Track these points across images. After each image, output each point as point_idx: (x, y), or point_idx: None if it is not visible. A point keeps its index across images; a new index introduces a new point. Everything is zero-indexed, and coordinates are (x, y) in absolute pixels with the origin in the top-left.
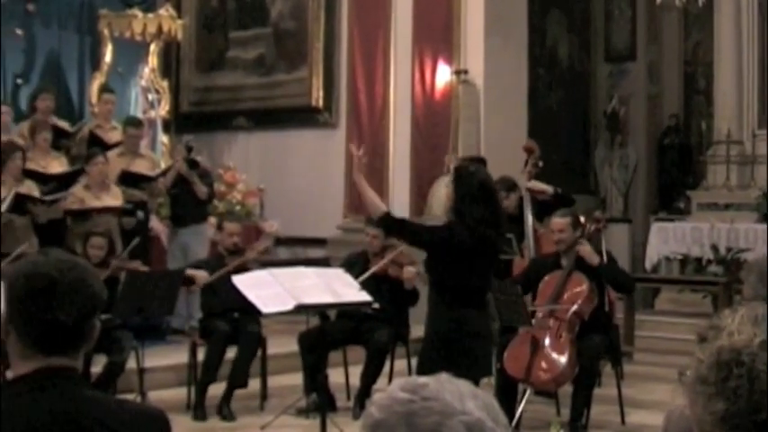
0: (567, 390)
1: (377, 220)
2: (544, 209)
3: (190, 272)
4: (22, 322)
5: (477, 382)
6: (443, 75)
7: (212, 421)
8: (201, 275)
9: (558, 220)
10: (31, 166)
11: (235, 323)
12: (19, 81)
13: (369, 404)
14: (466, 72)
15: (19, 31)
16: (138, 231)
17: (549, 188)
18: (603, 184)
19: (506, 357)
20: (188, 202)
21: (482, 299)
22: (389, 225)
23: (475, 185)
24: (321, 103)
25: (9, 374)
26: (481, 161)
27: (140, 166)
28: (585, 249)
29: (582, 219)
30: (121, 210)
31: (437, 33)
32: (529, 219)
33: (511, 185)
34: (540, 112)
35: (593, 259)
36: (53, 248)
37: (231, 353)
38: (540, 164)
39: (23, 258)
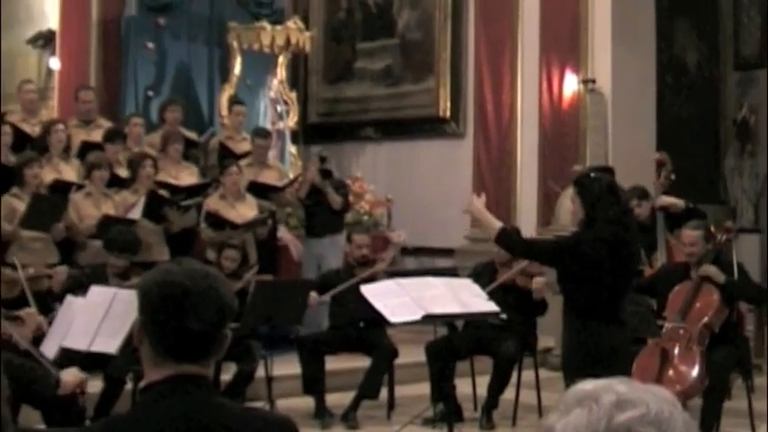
0: (696, 402)
1: (495, 238)
2: (675, 220)
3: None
4: (155, 330)
5: None
6: (570, 84)
7: (338, 430)
8: (313, 297)
9: (690, 233)
10: (162, 176)
11: (361, 333)
12: (150, 93)
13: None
14: (593, 81)
15: (150, 45)
16: (268, 241)
17: (680, 202)
18: (733, 193)
19: (635, 369)
20: (322, 212)
21: (615, 311)
22: (509, 240)
23: (603, 188)
24: (448, 113)
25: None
26: (609, 171)
27: (268, 177)
28: (710, 270)
29: (712, 229)
30: (256, 221)
31: (564, 42)
32: (661, 230)
33: (642, 193)
34: (668, 120)
35: (719, 278)
36: (186, 257)
37: (357, 362)
38: (673, 177)
39: (156, 267)
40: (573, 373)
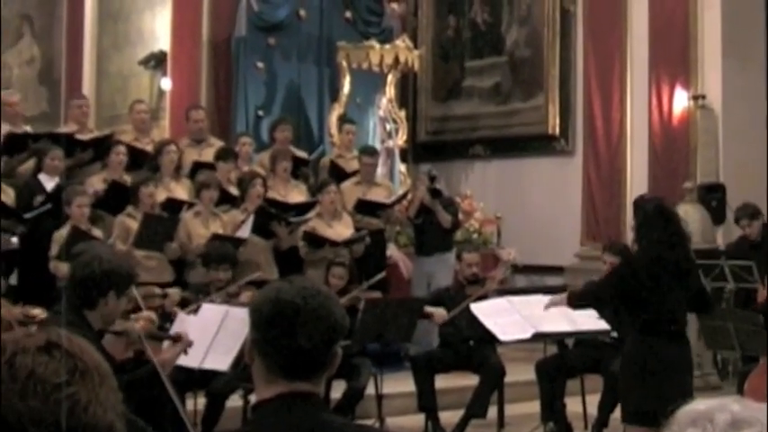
0: None
1: (569, 304)
2: None
3: (428, 309)
4: (267, 347)
5: (669, 411)
6: (680, 100)
7: None
8: (439, 313)
9: None
10: (270, 194)
11: (471, 351)
12: (260, 113)
13: None
14: (704, 97)
15: (260, 65)
16: (378, 260)
17: None
18: None
19: (746, 388)
20: (432, 231)
21: (676, 326)
22: (579, 302)
23: (650, 210)
24: (557, 130)
25: (253, 398)
26: (720, 188)
27: (376, 194)
28: None
29: None
30: (355, 239)
31: (673, 57)
32: None
33: (753, 212)
34: None
35: None
36: (297, 275)
37: (468, 380)
38: None
39: (268, 284)
40: (629, 387)
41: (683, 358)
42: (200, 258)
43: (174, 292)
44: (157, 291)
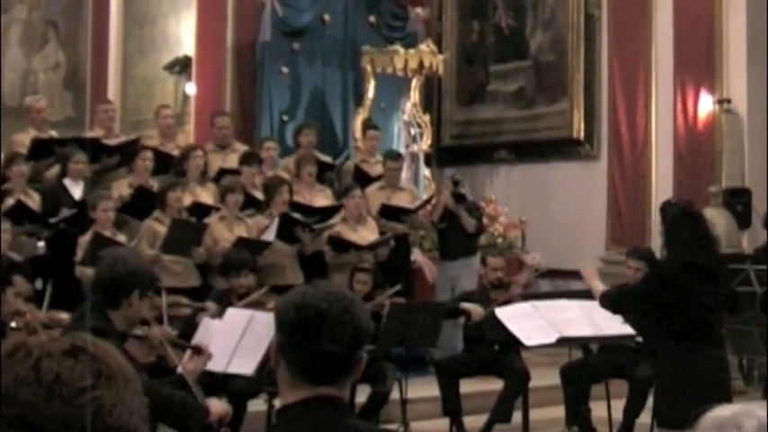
0: None
1: (600, 300)
2: None
3: (465, 305)
4: (292, 352)
5: (693, 416)
6: (705, 104)
7: None
8: (477, 311)
9: None
10: (296, 199)
11: (495, 355)
12: (285, 117)
13: None
14: (729, 101)
15: (284, 69)
16: (401, 264)
17: None
18: None
19: None
20: (456, 235)
21: (708, 332)
22: (610, 304)
23: (677, 213)
24: (582, 134)
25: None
26: (745, 192)
27: (400, 199)
28: None
29: None
30: (380, 242)
31: (698, 62)
32: None
33: None
34: None
35: None
36: (321, 280)
37: (492, 384)
38: None
39: (293, 289)
40: (667, 395)
41: (719, 362)
42: (219, 268)
43: (212, 306)
44: (184, 300)
